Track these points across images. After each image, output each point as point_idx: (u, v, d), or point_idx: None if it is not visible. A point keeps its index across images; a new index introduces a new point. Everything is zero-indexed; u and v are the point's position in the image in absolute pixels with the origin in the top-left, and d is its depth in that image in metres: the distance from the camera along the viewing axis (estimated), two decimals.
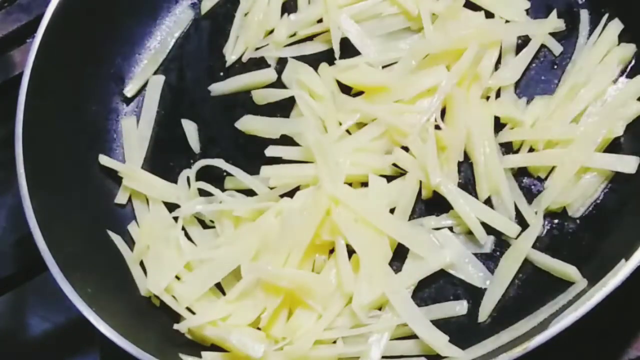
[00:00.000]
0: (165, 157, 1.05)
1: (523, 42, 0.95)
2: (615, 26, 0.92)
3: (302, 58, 1.03)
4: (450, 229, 0.89)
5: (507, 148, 0.91)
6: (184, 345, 0.89)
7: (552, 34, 0.95)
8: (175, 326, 0.89)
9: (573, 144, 0.86)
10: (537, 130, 0.90)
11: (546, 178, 0.89)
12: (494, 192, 0.88)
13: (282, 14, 1.07)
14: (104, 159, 1.03)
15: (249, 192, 0.97)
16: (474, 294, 0.86)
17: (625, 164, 0.85)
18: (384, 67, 0.98)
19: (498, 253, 0.87)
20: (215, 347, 0.89)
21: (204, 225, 0.98)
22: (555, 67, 0.94)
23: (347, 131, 0.95)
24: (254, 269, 0.88)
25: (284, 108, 1.01)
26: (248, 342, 0.85)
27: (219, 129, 1.05)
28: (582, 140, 0.86)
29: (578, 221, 0.86)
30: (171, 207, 0.99)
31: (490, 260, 0.87)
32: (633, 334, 0.83)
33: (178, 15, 1.14)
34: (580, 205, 0.86)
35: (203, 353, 0.87)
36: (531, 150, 0.90)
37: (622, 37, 0.91)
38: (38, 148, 0.98)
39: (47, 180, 0.97)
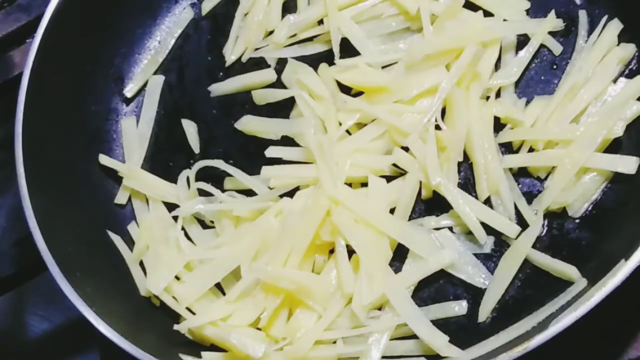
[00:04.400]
0: (165, 157, 1.05)
1: (523, 42, 0.95)
2: (615, 26, 0.92)
3: (301, 58, 1.03)
4: (450, 229, 0.89)
5: (507, 148, 0.91)
6: (184, 345, 0.89)
7: (552, 34, 0.95)
8: (176, 327, 0.89)
9: (573, 144, 0.86)
10: (537, 130, 0.89)
11: (546, 178, 0.89)
12: (494, 192, 0.88)
13: (283, 14, 1.07)
14: (104, 159, 1.03)
15: (249, 192, 0.97)
16: (474, 294, 0.86)
17: (625, 164, 0.85)
18: (383, 67, 0.98)
19: (498, 253, 0.87)
20: (215, 347, 0.89)
21: (204, 225, 0.98)
22: (555, 67, 0.94)
23: (347, 131, 0.95)
24: (254, 269, 0.88)
25: (284, 108, 1.01)
26: (248, 342, 0.85)
27: (219, 129, 1.05)
28: (582, 140, 0.86)
29: (578, 221, 0.86)
30: (171, 207, 0.99)
31: (490, 260, 0.87)
32: (633, 334, 0.83)
33: (178, 15, 1.14)
34: (580, 205, 0.86)
35: (203, 353, 0.87)
36: (531, 150, 0.90)
37: (622, 37, 0.91)
38: (38, 148, 0.98)
39: (47, 180, 0.97)
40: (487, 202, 0.88)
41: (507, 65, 0.94)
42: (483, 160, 0.89)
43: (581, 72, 0.90)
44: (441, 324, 0.84)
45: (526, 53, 0.94)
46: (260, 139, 1.00)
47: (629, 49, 0.90)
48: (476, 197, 0.89)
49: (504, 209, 0.88)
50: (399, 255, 0.88)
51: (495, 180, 0.88)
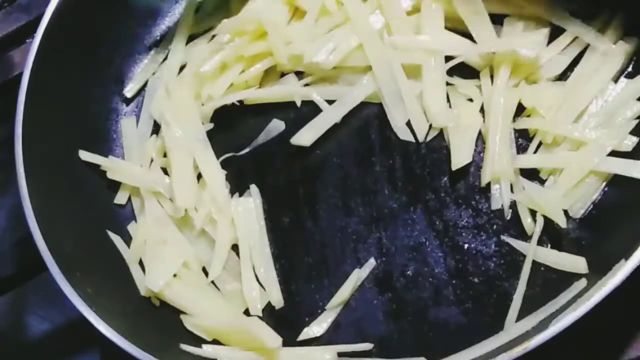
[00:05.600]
0: None
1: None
2: (619, 19, 0.91)
3: None
4: None
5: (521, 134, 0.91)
6: (184, 344, 0.89)
7: None
8: (182, 316, 0.90)
9: (582, 150, 0.86)
10: (550, 122, 0.88)
11: (546, 180, 0.88)
12: (496, 180, 0.88)
13: None
14: (84, 155, 1.01)
15: None
16: None
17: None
18: None
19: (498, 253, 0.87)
20: (215, 343, 0.89)
21: None
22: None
23: None
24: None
25: (285, 107, 1.01)
26: (266, 332, 0.84)
27: None
28: (593, 148, 0.85)
29: (578, 221, 0.86)
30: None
31: None
32: (633, 334, 0.83)
33: (178, 15, 1.13)
34: (580, 205, 0.86)
35: (203, 345, 0.88)
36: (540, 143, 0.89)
37: (625, 32, 0.91)
38: (38, 148, 0.98)
39: (47, 180, 0.97)
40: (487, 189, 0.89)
41: (551, 59, 0.92)
42: (496, 148, 0.88)
43: (587, 64, 0.90)
44: (441, 324, 0.84)
45: (572, 50, 0.92)
46: None
47: (633, 42, 0.90)
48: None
49: (499, 199, 0.88)
50: None
51: (501, 168, 0.87)
